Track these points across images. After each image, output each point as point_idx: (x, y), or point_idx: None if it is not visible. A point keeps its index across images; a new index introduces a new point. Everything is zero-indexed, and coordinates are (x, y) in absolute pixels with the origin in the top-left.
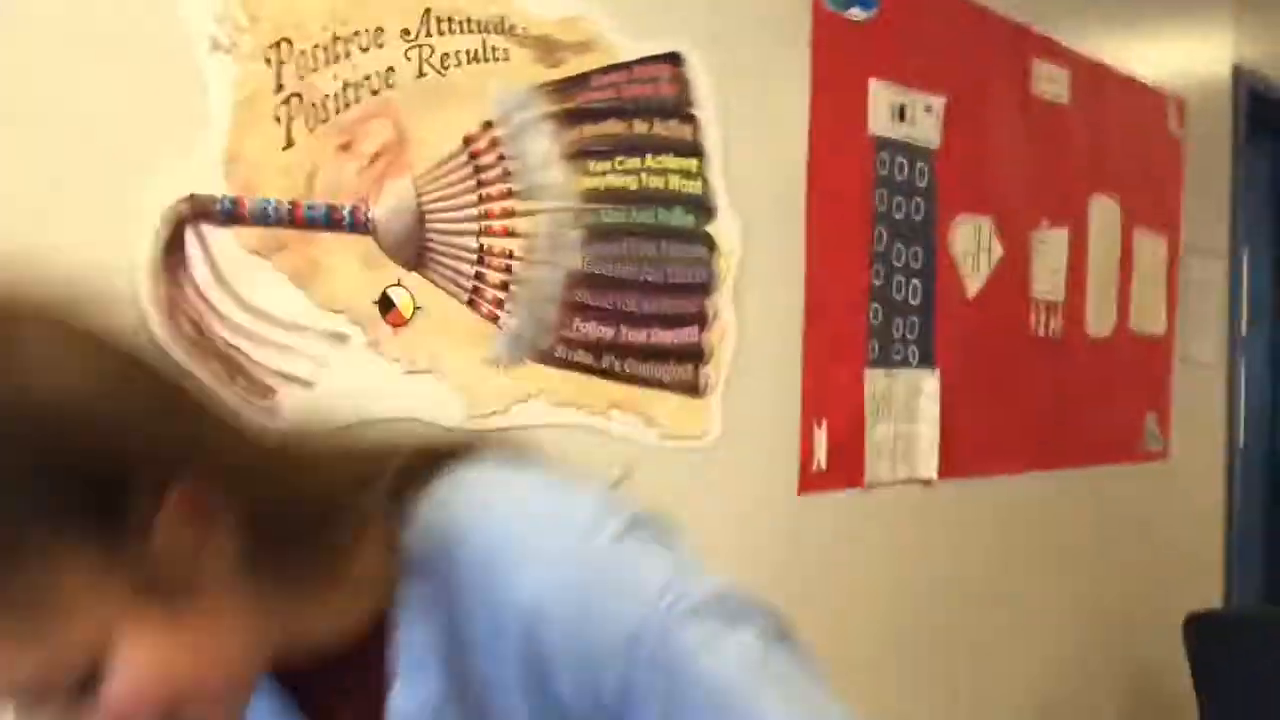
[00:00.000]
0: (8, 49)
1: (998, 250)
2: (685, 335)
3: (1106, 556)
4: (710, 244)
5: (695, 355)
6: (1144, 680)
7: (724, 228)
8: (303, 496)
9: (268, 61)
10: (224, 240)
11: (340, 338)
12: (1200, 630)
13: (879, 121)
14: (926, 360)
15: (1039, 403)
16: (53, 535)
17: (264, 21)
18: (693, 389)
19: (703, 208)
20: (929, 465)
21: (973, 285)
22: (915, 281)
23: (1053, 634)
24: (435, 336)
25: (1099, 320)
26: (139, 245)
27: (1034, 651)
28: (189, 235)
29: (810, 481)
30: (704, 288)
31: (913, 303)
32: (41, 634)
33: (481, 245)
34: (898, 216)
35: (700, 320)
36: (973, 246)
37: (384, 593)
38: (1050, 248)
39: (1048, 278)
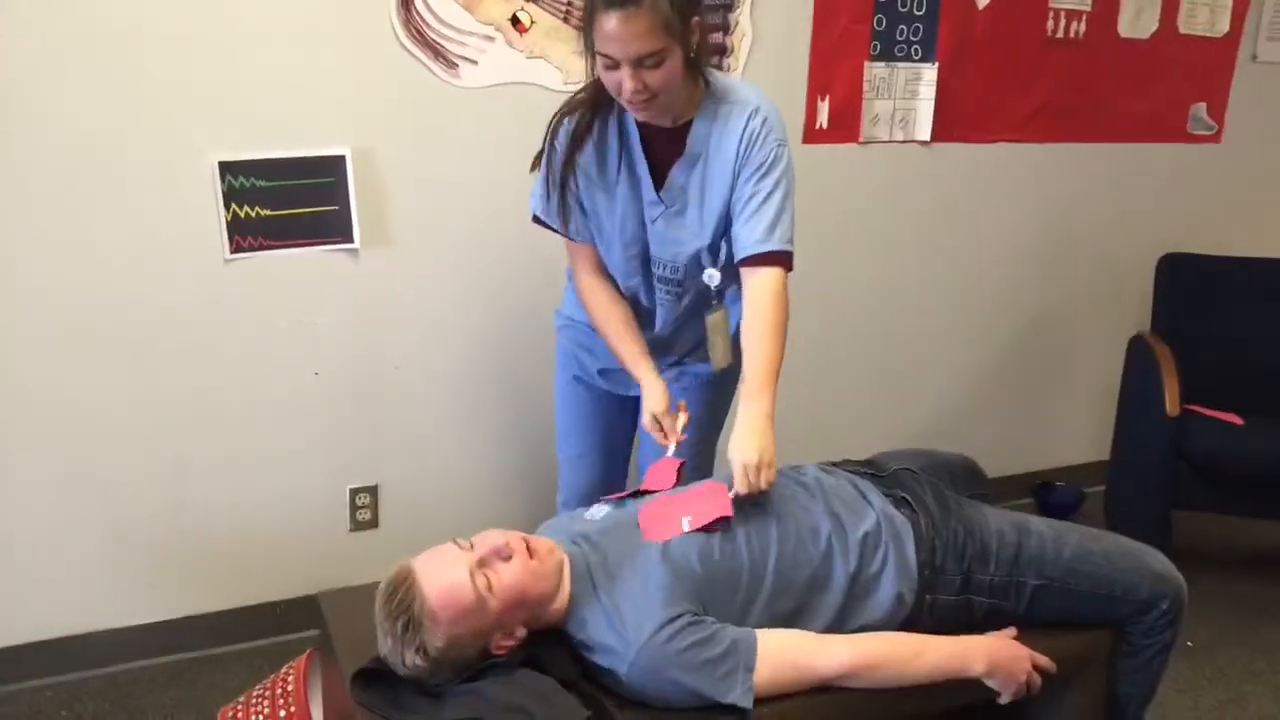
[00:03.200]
0: None
1: None
2: (713, 39)
3: (1093, 211)
4: None
5: (720, 51)
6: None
7: None
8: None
9: None
10: None
11: (490, 38)
12: (1172, 267)
13: None
14: (928, 57)
15: (1050, 93)
16: None
17: None
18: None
19: None
20: (924, 131)
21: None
22: None
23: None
24: (543, 39)
25: (1135, 24)
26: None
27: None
28: None
29: (813, 136)
30: (727, 7)
31: (917, 12)
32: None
33: None
34: None
35: (724, 28)
36: None
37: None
38: None
39: None
